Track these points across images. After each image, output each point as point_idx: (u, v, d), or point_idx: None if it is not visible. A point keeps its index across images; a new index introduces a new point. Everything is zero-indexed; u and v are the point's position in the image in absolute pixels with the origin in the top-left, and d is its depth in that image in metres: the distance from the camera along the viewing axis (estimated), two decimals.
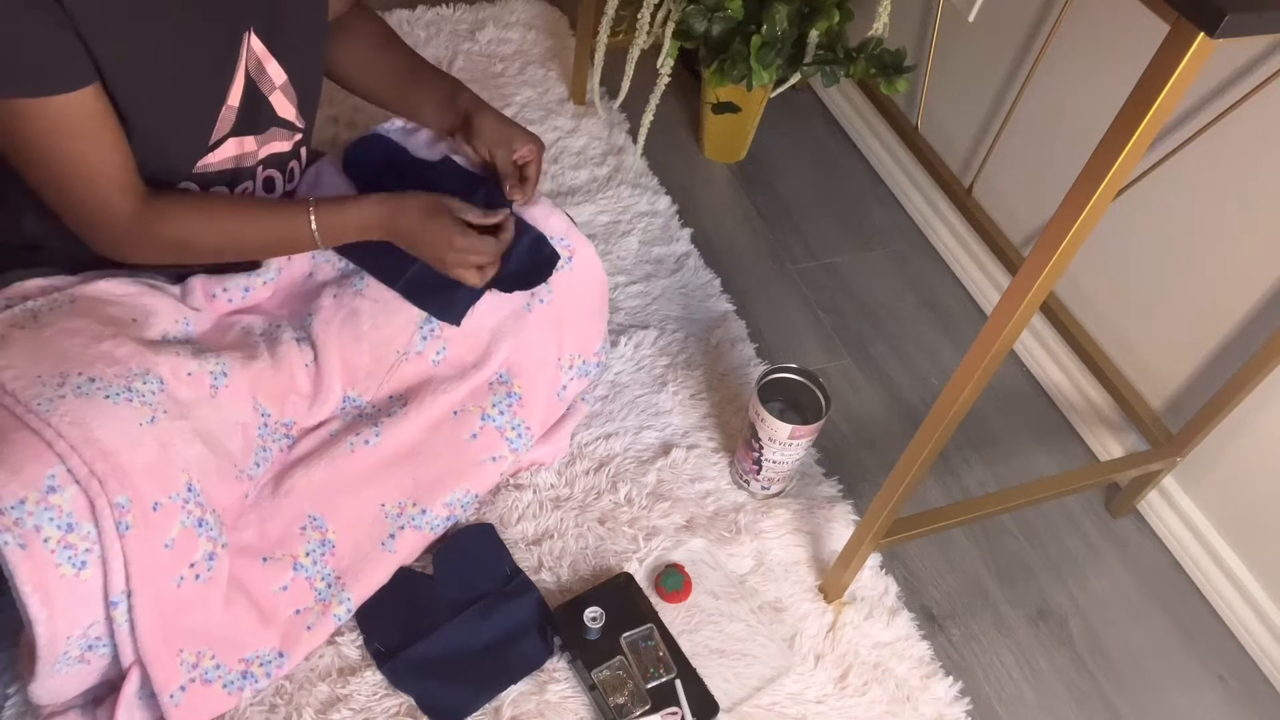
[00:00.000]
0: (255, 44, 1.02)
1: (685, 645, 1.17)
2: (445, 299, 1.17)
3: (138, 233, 0.99)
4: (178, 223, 1.02)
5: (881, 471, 1.43)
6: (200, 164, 1.04)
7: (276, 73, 1.06)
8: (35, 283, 1.03)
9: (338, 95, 1.35)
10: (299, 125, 1.13)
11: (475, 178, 1.21)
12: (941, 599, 1.32)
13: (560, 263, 1.21)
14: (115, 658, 0.98)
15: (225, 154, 1.06)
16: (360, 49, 1.23)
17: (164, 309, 1.05)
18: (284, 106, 1.09)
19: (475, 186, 1.20)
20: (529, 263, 1.20)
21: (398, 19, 1.92)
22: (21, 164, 0.93)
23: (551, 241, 1.21)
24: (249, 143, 1.08)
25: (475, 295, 1.18)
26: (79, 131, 0.91)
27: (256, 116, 1.07)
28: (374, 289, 1.18)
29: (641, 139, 1.69)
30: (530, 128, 1.77)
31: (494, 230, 1.15)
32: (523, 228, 1.20)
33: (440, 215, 1.10)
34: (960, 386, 0.95)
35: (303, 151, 1.18)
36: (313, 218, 1.08)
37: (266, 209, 1.08)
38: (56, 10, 0.85)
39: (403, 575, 1.17)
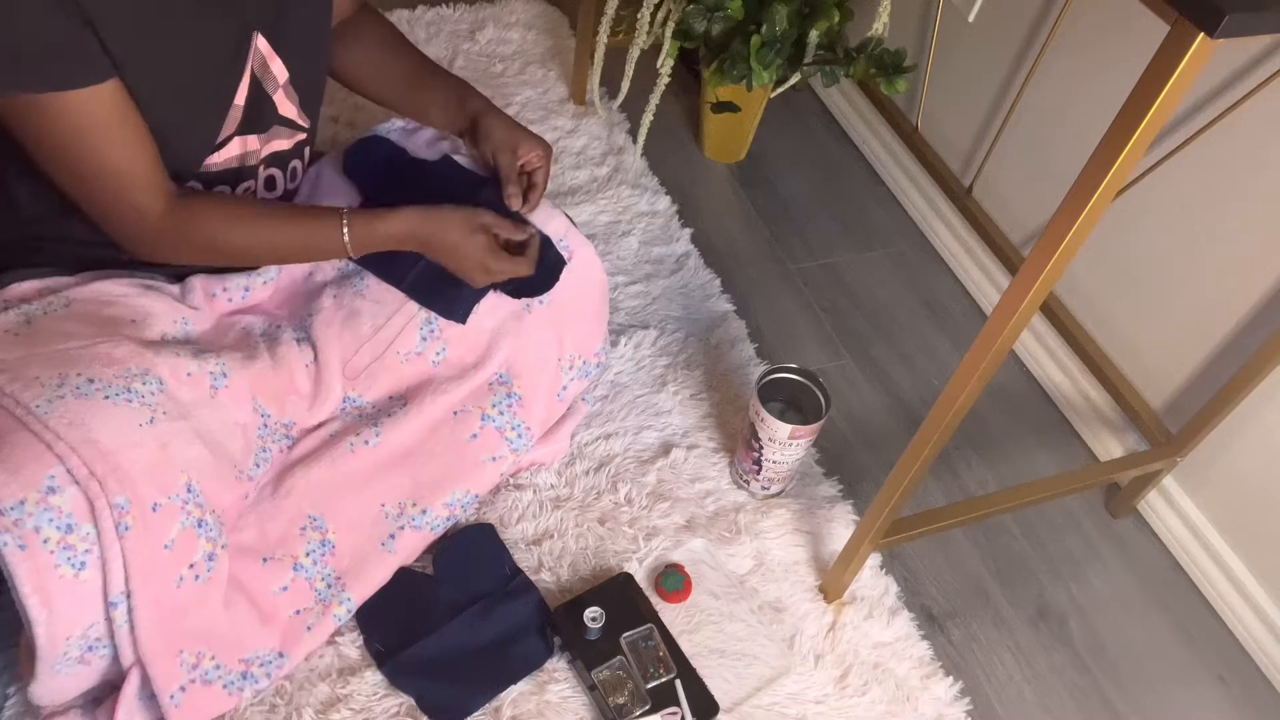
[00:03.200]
0: (261, 43, 1.02)
1: (685, 645, 1.17)
2: (450, 298, 1.17)
3: (169, 234, 1.00)
4: (209, 225, 1.02)
5: (881, 471, 1.42)
6: (205, 162, 1.04)
7: (280, 71, 1.06)
8: (33, 284, 1.03)
9: (338, 95, 1.35)
10: (301, 124, 1.14)
11: (476, 178, 1.21)
12: (941, 599, 1.32)
13: None
14: (115, 658, 0.98)
15: (230, 153, 1.06)
16: (368, 51, 1.23)
17: (162, 309, 1.05)
18: (286, 105, 1.09)
19: (476, 187, 1.20)
20: (536, 269, 1.20)
21: (398, 19, 1.92)
22: (51, 165, 0.93)
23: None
24: (252, 141, 1.08)
25: (480, 294, 1.18)
26: (105, 127, 0.91)
27: (260, 115, 1.07)
28: (374, 289, 1.18)
29: (641, 139, 1.69)
30: (530, 128, 1.76)
31: (523, 246, 1.17)
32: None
33: (478, 233, 1.11)
34: (960, 386, 0.95)
35: (306, 151, 1.18)
36: (345, 228, 1.08)
37: (298, 216, 1.08)
38: (74, 8, 0.85)
39: (403, 575, 1.17)
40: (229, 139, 1.05)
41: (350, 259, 1.19)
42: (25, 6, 0.83)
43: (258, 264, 1.14)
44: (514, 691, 1.12)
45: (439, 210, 1.11)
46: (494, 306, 1.20)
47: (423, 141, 1.25)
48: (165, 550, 0.95)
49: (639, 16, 1.56)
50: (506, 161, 1.18)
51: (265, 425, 1.11)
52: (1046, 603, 1.34)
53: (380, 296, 1.17)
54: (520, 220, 1.17)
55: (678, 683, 1.13)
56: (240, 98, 1.03)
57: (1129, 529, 1.44)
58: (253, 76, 1.03)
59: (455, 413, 1.20)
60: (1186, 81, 0.71)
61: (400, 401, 1.19)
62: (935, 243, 1.77)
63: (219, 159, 1.06)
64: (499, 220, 1.13)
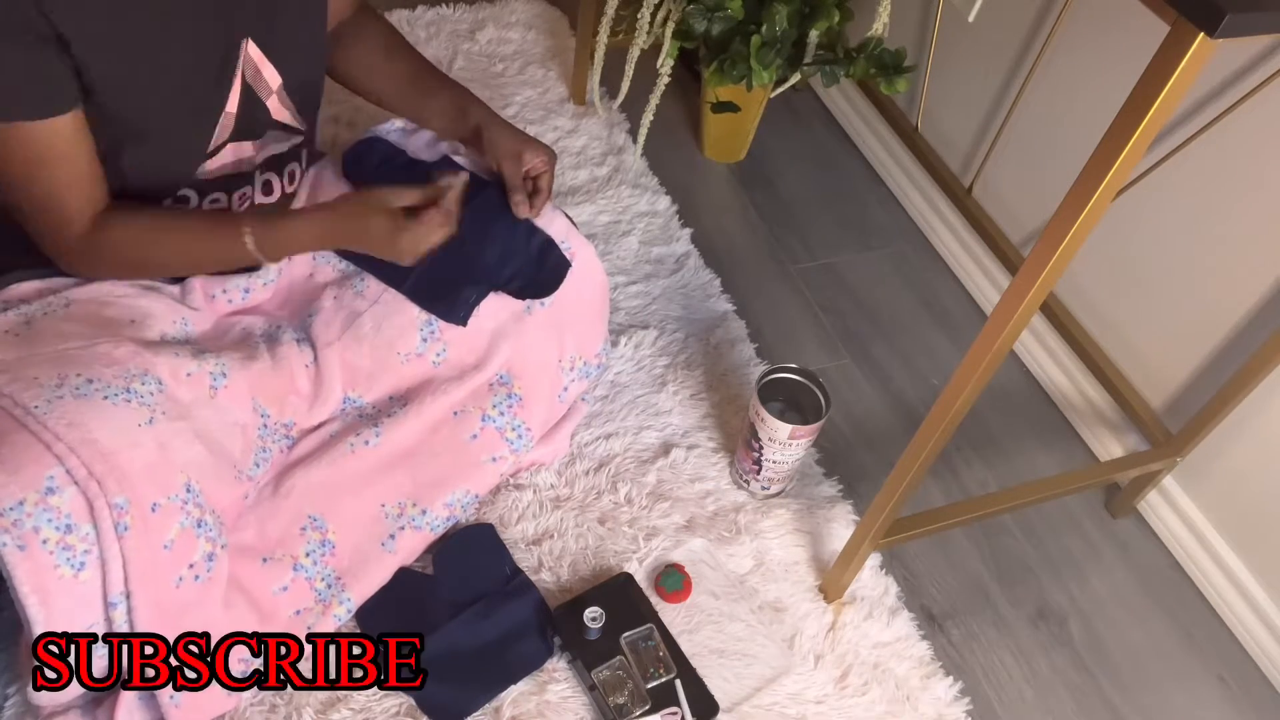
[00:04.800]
0: (252, 50, 1.02)
1: (685, 645, 1.17)
2: (451, 300, 1.17)
3: (89, 252, 1.00)
4: (127, 244, 1.02)
5: (881, 471, 1.42)
6: (200, 169, 1.04)
7: (273, 77, 1.06)
8: (33, 285, 1.03)
9: (338, 95, 1.35)
10: (297, 127, 1.13)
11: (478, 178, 1.21)
12: (941, 599, 1.32)
13: None
14: None
15: (223, 159, 1.06)
16: (367, 55, 1.23)
17: (161, 310, 1.06)
18: (280, 110, 1.09)
19: (479, 186, 1.20)
20: (539, 270, 1.20)
21: (398, 19, 1.92)
22: None
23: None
24: (246, 148, 1.08)
25: (480, 296, 1.18)
26: (49, 156, 0.92)
27: (254, 122, 1.07)
28: (374, 290, 1.18)
29: (641, 139, 1.69)
30: (530, 128, 1.77)
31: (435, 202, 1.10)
32: (531, 231, 1.20)
33: (373, 215, 1.06)
34: (960, 386, 0.95)
35: (304, 153, 1.18)
36: (248, 237, 1.04)
37: (204, 225, 1.06)
38: (47, 33, 0.85)
39: (403, 575, 1.17)
40: (222, 146, 1.05)
41: (347, 260, 1.19)
42: None
43: (181, 274, 1.11)
44: (514, 691, 1.12)
45: (334, 205, 1.07)
46: (495, 308, 1.20)
47: (422, 142, 1.25)
48: (165, 550, 0.95)
49: (639, 16, 1.56)
50: (512, 170, 1.17)
51: (265, 425, 1.11)
52: (1046, 603, 1.34)
53: (380, 297, 1.17)
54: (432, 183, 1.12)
55: (678, 683, 1.13)
56: (232, 105, 1.03)
57: (1129, 529, 1.44)
58: (244, 84, 1.03)
59: (455, 413, 1.20)
60: (1186, 81, 0.71)
61: (400, 402, 1.19)
62: (935, 243, 1.77)
63: (213, 166, 1.06)
64: (394, 192, 1.08)
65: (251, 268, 1.16)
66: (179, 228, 1.05)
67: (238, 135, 1.05)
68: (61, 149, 0.92)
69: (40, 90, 0.88)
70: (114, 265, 1.04)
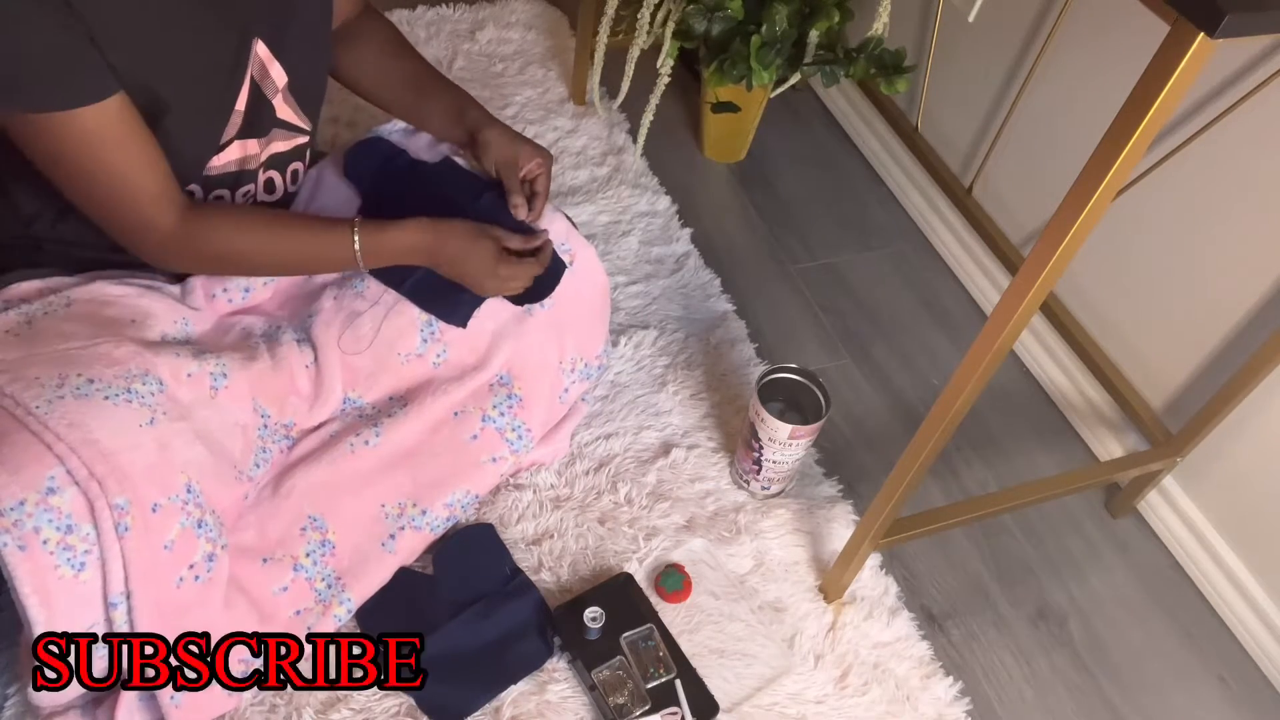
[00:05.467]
0: (261, 49, 1.03)
1: (685, 645, 1.17)
2: (451, 302, 1.17)
3: (181, 246, 1.00)
4: (219, 237, 1.02)
5: (881, 471, 1.42)
6: (205, 166, 1.04)
7: (279, 75, 1.06)
8: (33, 284, 1.03)
9: (339, 95, 1.35)
10: (301, 126, 1.14)
11: (477, 179, 1.21)
12: (941, 599, 1.32)
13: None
14: None
15: (229, 157, 1.06)
16: (370, 56, 1.23)
17: (162, 310, 1.06)
18: (285, 109, 1.09)
19: (477, 189, 1.20)
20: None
21: (398, 19, 1.92)
22: (60, 179, 0.94)
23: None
24: (252, 145, 1.08)
25: (479, 298, 1.18)
26: (112, 142, 0.91)
27: (260, 119, 1.07)
28: (374, 291, 1.18)
29: (641, 139, 1.69)
30: (530, 128, 1.77)
31: (533, 252, 1.17)
32: (528, 232, 1.20)
33: (483, 240, 1.12)
34: (960, 386, 0.95)
35: (306, 153, 1.18)
36: (357, 238, 1.08)
37: (309, 226, 1.08)
38: (75, 22, 0.85)
39: (403, 575, 1.17)
40: (229, 143, 1.05)
41: (363, 266, 1.20)
42: (29, 26, 0.83)
43: (268, 274, 1.15)
44: (514, 691, 1.12)
45: (446, 223, 1.12)
46: (495, 309, 1.20)
47: (423, 143, 1.25)
48: (165, 551, 0.95)
49: (639, 16, 1.56)
50: (508, 173, 1.18)
51: (265, 426, 1.11)
52: (1046, 603, 1.34)
53: (380, 298, 1.17)
54: (527, 229, 1.18)
55: (678, 683, 1.13)
56: (241, 103, 1.03)
57: (1129, 529, 1.44)
58: (252, 82, 1.03)
59: (456, 413, 1.20)
60: (1186, 81, 0.71)
61: (400, 402, 1.19)
62: (935, 243, 1.77)
63: (218, 163, 1.06)
64: (506, 234, 1.15)
65: (263, 277, 1.16)
66: (283, 223, 1.07)
67: (244, 133, 1.06)
68: (119, 132, 0.91)
69: (82, 76, 0.88)
70: (209, 259, 1.04)
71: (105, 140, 0.91)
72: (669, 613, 1.20)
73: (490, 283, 1.14)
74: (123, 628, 0.94)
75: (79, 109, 0.88)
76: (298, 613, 1.10)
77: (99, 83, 0.89)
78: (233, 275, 1.13)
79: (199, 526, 0.98)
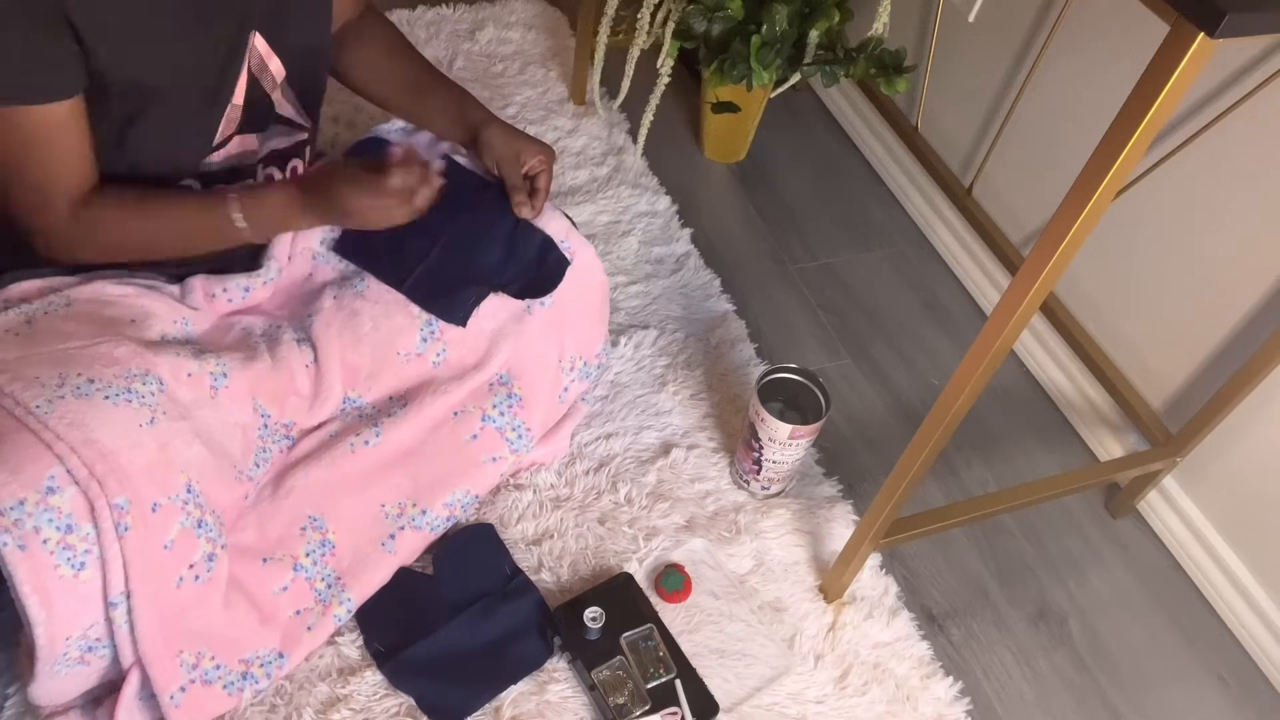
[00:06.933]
0: (259, 42, 1.03)
1: (685, 645, 1.17)
2: (450, 301, 1.17)
3: (73, 231, 1.00)
4: (113, 222, 1.02)
5: (881, 471, 1.42)
6: (205, 161, 1.05)
7: (278, 70, 1.06)
8: (34, 284, 1.03)
9: (339, 95, 1.35)
10: (301, 122, 1.14)
11: (477, 179, 1.21)
12: (941, 599, 1.32)
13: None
14: (115, 659, 0.98)
15: (228, 151, 1.07)
16: (371, 54, 1.23)
17: (162, 310, 1.05)
18: (284, 104, 1.10)
19: (477, 188, 1.20)
20: (538, 269, 1.20)
21: (398, 19, 1.92)
22: None
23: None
24: (251, 140, 1.08)
25: (480, 296, 1.18)
26: (41, 140, 0.92)
27: (258, 114, 1.07)
28: (374, 290, 1.18)
29: (641, 139, 1.69)
30: (530, 128, 1.77)
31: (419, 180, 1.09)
32: (531, 231, 1.20)
33: (344, 171, 1.06)
34: (960, 386, 0.95)
35: (307, 150, 1.18)
36: (236, 211, 1.04)
37: (191, 200, 1.06)
38: (57, 19, 0.85)
39: (403, 575, 1.17)
40: (228, 139, 1.05)
41: (347, 261, 1.20)
42: (4, 20, 0.83)
43: (169, 255, 1.09)
44: (514, 691, 1.12)
45: (306, 172, 1.09)
46: (495, 308, 1.20)
47: (423, 142, 1.25)
48: (165, 550, 0.95)
49: (639, 16, 1.56)
50: (510, 171, 1.18)
51: (265, 426, 1.11)
52: (1046, 603, 1.34)
53: (380, 297, 1.17)
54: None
55: (678, 683, 1.13)
56: (239, 97, 1.03)
57: (1129, 529, 1.44)
58: (250, 75, 1.03)
59: (455, 413, 1.20)
60: (1186, 81, 0.71)
61: (400, 402, 1.19)
62: (935, 243, 1.77)
63: (218, 157, 1.06)
64: (360, 161, 1.08)
65: (251, 266, 1.16)
66: (167, 202, 1.05)
67: (244, 128, 1.06)
68: (55, 134, 0.93)
69: (42, 75, 0.88)
70: (99, 245, 1.03)
71: (40, 138, 0.92)
72: (669, 613, 1.20)
73: (372, 213, 1.06)
74: (123, 627, 0.95)
75: (29, 106, 0.89)
76: (298, 613, 1.10)
77: (57, 83, 0.90)
78: (135, 260, 1.08)
79: (199, 526, 0.98)
